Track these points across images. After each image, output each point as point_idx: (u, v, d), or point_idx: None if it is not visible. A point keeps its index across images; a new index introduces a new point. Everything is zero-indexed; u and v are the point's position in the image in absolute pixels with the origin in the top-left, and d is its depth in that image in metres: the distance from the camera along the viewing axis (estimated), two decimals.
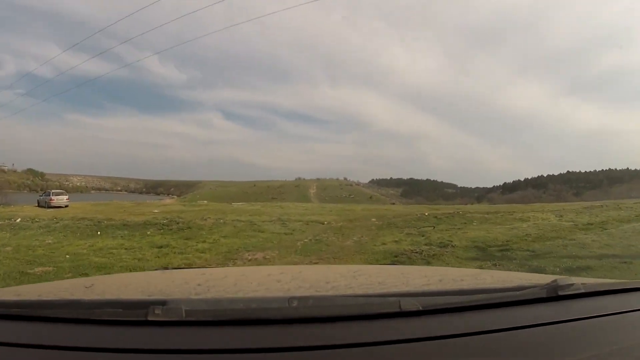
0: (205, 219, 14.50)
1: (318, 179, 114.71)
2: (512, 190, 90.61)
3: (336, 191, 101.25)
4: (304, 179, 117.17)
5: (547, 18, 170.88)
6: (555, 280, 0.97)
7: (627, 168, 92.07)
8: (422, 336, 0.74)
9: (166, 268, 1.73)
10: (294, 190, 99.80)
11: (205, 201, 33.66)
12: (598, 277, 4.88)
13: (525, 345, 0.75)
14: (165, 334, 0.75)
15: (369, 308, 0.82)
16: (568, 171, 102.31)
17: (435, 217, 15.18)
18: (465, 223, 13.09)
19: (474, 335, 0.75)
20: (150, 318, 0.76)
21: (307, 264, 7.06)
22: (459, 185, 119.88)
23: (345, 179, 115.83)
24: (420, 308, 0.81)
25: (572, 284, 0.96)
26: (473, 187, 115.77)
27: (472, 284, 1.21)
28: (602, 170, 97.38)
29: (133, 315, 0.78)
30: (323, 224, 14.57)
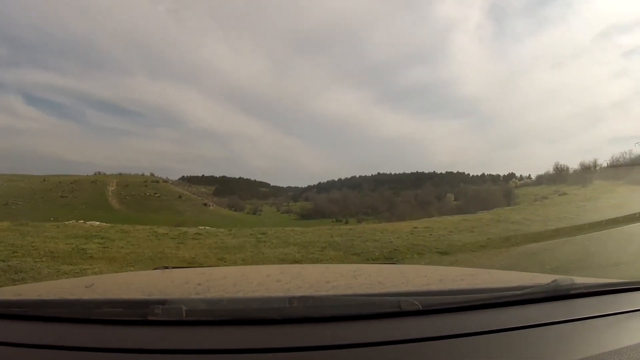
0: None
1: (120, 174, 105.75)
2: (328, 190, 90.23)
3: (140, 189, 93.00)
4: (104, 174, 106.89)
5: (365, 32, 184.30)
6: (555, 280, 0.97)
7: (434, 171, 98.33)
8: (422, 336, 0.74)
9: (166, 267, 1.73)
10: (89, 187, 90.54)
11: None
12: None
13: (526, 345, 0.75)
14: (166, 333, 0.75)
15: (369, 308, 0.82)
16: (379, 172, 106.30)
17: None
18: None
19: (474, 336, 0.75)
20: (150, 318, 0.76)
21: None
22: (271, 184, 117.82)
23: (151, 174, 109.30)
24: (420, 308, 0.81)
25: (572, 284, 0.96)
26: (285, 186, 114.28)
27: (472, 284, 1.21)
28: (411, 172, 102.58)
29: (133, 314, 0.78)
30: None
